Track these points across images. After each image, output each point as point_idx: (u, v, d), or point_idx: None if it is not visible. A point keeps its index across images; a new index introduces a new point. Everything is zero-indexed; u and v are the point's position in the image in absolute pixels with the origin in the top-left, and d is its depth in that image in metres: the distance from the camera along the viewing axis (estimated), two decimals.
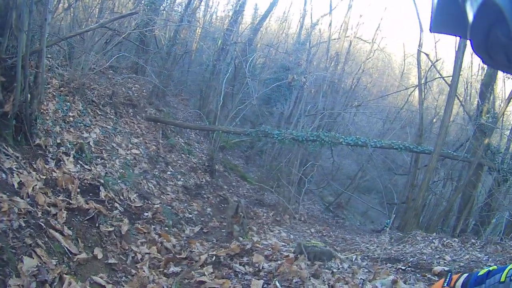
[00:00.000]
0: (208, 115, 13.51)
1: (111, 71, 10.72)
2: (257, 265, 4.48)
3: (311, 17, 19.18)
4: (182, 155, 10.23)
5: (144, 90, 12.06)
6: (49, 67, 7.34)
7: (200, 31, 15.70)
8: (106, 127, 7.85)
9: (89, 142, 6.65)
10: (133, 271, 4.30)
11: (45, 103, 6.02)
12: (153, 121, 10.40)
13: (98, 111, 8.23)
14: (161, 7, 12.27)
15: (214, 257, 4.76)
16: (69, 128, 6.53)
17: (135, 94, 11.09)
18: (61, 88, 7.32)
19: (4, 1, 4.28)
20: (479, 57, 0.65)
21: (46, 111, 6.05)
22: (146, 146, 8.89)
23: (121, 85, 10.57)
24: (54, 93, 6.91)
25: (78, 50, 8.34)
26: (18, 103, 4.47)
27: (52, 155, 5.31)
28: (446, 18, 0.72)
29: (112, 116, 8.61)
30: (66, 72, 8.01)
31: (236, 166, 13.21)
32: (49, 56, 7.70)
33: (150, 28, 10.39)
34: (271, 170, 12.95)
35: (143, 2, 11.45)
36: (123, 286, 3.91)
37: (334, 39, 17.71)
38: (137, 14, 9.27)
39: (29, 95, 4.69)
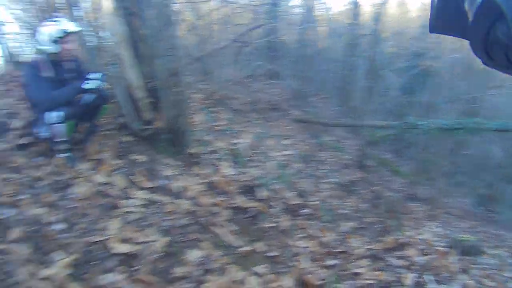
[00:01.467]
0: (351, 111, 13.29)
1: (249, 80, 11.31)
2: (410, 258, 4.42)
3: None
4: (333, 152, 10.20)
5: (285, 94, 12.39)
6: (190, 84, 8.07)
7: (324, 29, 15.61)
8: (256, 132, 8.30)
9: (241, 147, 7.11)
10: (292, 264, 4.48)
11: (192, 116, 6.66)
12: (300, 122, 10.62)
13: (244, 118, 8.81)
14: (279, 13, 12.58)
15: (369, 251, 4.72)
16: (219, 136, 7.12)
17: (277, 98, 11.47)
18: (205, 101, 8.03)
19: (132, 34, 4.90)
20: (478, 57, 0.65)
21: (195, 123, 6.69)
22: (296, 147, 9.09)
23: (262, 91, 11.10)
24: (200, 107, 7.61)
25: (213, 65, 9.06)
26: (167, 120, 5.12)
27: (207, 162, 5.87)
28: (446, 18, 0.72)
29: (259, 121, 9.11)
30: (206, 86, 8.76)
31: (387, 160, 12.67)
32: (188, 74, 8.42)
33: (274, 36, 10.76)
34: (421, 162, 12.19)
35: (260, 10, 11.88)
36: (283, 276, 4.11)
37: None
38: (263, 25, 9.65)
39: (176, 111, 5.27)
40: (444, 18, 0.72)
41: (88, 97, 4.31)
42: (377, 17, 14.57)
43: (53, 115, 3.88)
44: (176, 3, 8.54)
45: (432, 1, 0.74)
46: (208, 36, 10.82)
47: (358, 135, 11.64)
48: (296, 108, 11.70)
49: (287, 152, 8.31)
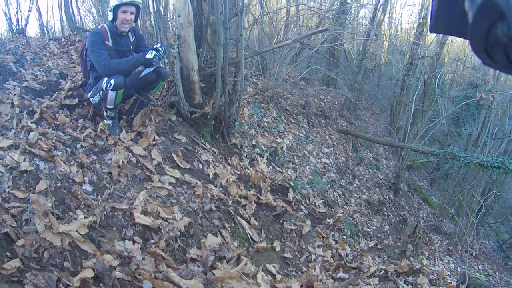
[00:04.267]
0: (397, 131, 13.05)
1: (303, 82, 11.35)
2: (420, 286, 4.32)
3: None
4: (369, 169, 10.13)
5: (336, 102, 12.35)
6: (244, 76, 8.14)
7: (387, 44, 15.30)
8: (299, 135, 8.32)
9: (282, 147, 7.17)
10: (304, 269, 4.55)
11: (242, 108, 6.77)
12: (344, 133, 10.57)
13: (291, 119, 8.84)
14: (346, 20, 12.41)
15: (382, 271, 4.69)
16: (263, 132, 7.20)
17: (327, 106, 11.44)
18: (256, 96, 8.13)
19: (198, 18, 5.01)
20: (479, 57, 0.64)
21: (242, 115, 6.80)
22: (335, 156, 9.08)
23: (313, 96, 11.05)
24: (249, 100, 7.72)
25: (270, 61, 9.11)
26: (217, 106, 5.19)
27: (246, 155, 5.96)
28: (446, 18, 0.72)
29: (304, 125, 9.11)
30: (260, 81, 8.88)
31: (421, 187, 12.43)
32: (244, 66, 8.48)
33: (339, 42, 10.65)
34: (454, 195, 11.79)
35: (327, 15, 11.76)
36: (291, 279, 4.15)
37: None
38: (328, 30, 9.60)
39: (228, 100, 5.36)
40: (444, 18, 0.72)
41: (147, 71, 4.45)
42: (442, 41, 14.17)
43: (108, 82, 4.04)
44: None
45: (432, 1, 0.74)
46: (271, 32, 10.88)
47: (398, 156, 11.49)
48: (344, 119, 11.66)
49: (325, 160, 8.31)
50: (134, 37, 4.57)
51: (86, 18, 11.31)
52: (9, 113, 3.83)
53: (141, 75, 4.47)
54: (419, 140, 10.50)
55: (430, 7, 0.74)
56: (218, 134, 5.64)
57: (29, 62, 5.36)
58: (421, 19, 13.90)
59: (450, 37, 16.29)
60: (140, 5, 4.39)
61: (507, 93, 12.33)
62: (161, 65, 4.70)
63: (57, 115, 4.18)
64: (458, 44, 20.37)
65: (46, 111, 4.11)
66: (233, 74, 5.62)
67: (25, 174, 3.06)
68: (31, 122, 3.78)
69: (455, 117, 15.27)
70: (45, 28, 10.58)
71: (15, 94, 4.28)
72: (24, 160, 3.15)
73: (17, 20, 8.60)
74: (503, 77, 15.48)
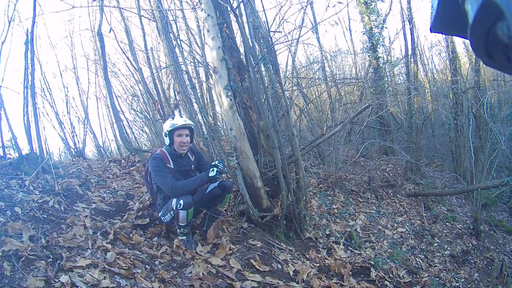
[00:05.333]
0: (464, 175, 12.50)
1: (362, 158, 11.25)
2: None
3: None
4: (447, 223, 9.64)
5: (398, 168, 12.11)
6: (305, 168, 8.24)
7: (429, 93, 15.16)
8: (370, 212, 8.13)
9: (355, 228, 6.99)
10: None
11: (310, 201, 6.75)
12: (413, 196, 10.28)
13: (359, 198, 8.70)
14: (384, 84, 12.52)
15: None
16: (335, 219, 7.07)
17: (391, 174, 11.23)
18: (320, 185, 8.13)
19: (249, 127, 5.21)
20: (479, 57, 0.64)
21: (311, 208, 6.75)
22: (410, 222, 8.76)
23: (376, 169, 10.92)
24: (315, 191, 7.70)
25: (326, 147, 9.20)
26: (285, 207, 5.20)
27: (322, 245, 5.82)
28: (446, 18, 0.72)
29: (373, 201, 8.92)
30: (321, 169, 8.91)
31: (501, 221, 11.50)
32: (302, 159, 8.61)
33: (384, 110, 10.71)
34: None
35: (365, 86, 11.93)
36: None
37: None
38: (371, 105, 9.72)
39: (294, 198, 5.38)
40: (444, 18, 0.71)
41: (212, 187, 4.58)
42: (476, 67, 13.87)
43: (177, 202, 4.16)
44: (287, 90, 9.01)
45: (432, 1, 0.73)
46: (319, 119, 11.12)
47: (471, 200, 10.86)
48: (410, 181, 11.35)
49: (400, 229, 8.02)
50: (193, 156, 4.77)
51: (141, 137, 12.07)
52: (83, 234, 3.93)
53: (207, 191, 4.58)
54: (486, 176, 10.05)
55: (432, 8, 0.73)
56: (291, 232, 5.58)
57: (94, 184, 5.67)
58: (451, 54, 13.87)
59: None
60: (193, 127, 4.64)
61: None
62: (224, 177, 4.84)
63: (131, 235, 4.30)
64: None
65: (119, 231, 4.24)
66: (294, 171, 5.69)
67: None
68: (107, 243, 3.87)
69: None
70: (102, 149, 11.35)
71: (86, 216, 4.44)
72: (105, 278, 3.19)
73: (74, 143, 9.29)
74: None
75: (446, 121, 14.76)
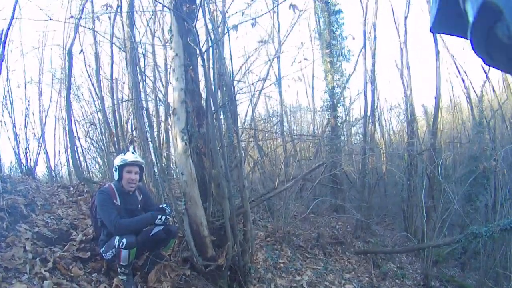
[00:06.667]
0: (415, 233, 12.73)
1: (312, 215, 11.29)
2: None
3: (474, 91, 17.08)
4: (396, 280, 9.70)
5: (348, 226, 12.17)
6: (253, 220, 8.18)
7: (384, 153, 15.63)
8: (317, 268, 8.09)
9: (302, 284, 6.93)
10: None
11: (256, 254, 6.64)
12: (362, 253, 10.32)
13: (307, 254, 8.66)
14: (341, 143, 12.82)
15: None
16: (280, 274, 6.98)
17: (340, 232, 11.27)
18: (268, 239, 8.08)
19: (201, 173, 5.15)
20: (479, 57, 0.65)
21: (257, 261, 6.65)
22: (358, 279, 8.74)
23: (325, 226, 10.96)
24: (262, 244, 7.64)
25: (277, 202, 9.21)
26: (230, 258, 5.10)
27: None
28: (447, 19, 0.73)
29: (321, 257, 8.90)
30: (269, 223, 8.89)
31: (453, 277, 11.72)
32: (251, 211, 8.57)
33: (338, 169, 10.92)
34: (488, 269, 11.15)
35: (321, 144, 12.18)
36: None
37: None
38: (324, 164, 9.90)
39: (240, 250, 5.30)
40: (444, 18, 0.72)
41: (157, 230, 4.47)
42: (433, 130, 14.45)
43: (120, 240, 4.03)
44: (243, 141, 9.06)
45: (432, 1, 0.73)
46: (272, 172, 11.20)
47: (422, 257, 10.97)
48: (360, 240, 11.42)
49: (348, 286, 8.03)
50: (141, 196, 4.69)
51: (93, 168, 11.72)
52: (21, 257, 3.81)
53: (152, 234, 4.47)
54: (438, 234, 10.26)
55: (432, 8, 0.73)
56: (235, 284, 5.46)
57: (39, 207, 5.48)
58: (409, 117, 14.40)
59: (440, 124, 16.68)
60: (143, 165, 4.57)
61: (507, 149, 12.32)
62: (170, 221, 4.74)
63: (71, 266, 4.14)
64: (449, 126, 20.72)
65: (59, 261, 4.09)
66: (242, 223, 5.63)
67: None
68: (45, 271, 3.75)
69: (467, 195, 14.90)
70: (52, 172, 10.89)
71: (27, 238, 4.29)
72: None
73: (26, 160, 8.88)
74: (498, 137, 15.78)
75: (399, 181, 15.12)
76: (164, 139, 10.22)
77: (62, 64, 10.79)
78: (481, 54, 0.64)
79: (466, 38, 0.66)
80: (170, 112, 5.21)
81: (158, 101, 8.62)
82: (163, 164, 5.96)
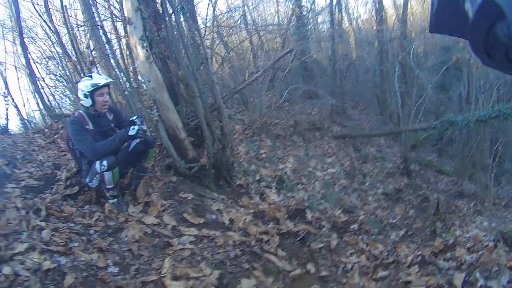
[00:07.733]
0: (391, 118, 13.11)
1: (287, 103, 11.38)
2: (459, 259, 4.23)
3: None
4: (377, 163, 10.11)
5: (324, 111, 12.36)
6: (229, 116, 8.24)
7: (353, 40, 15.48)
8: (299, 155, 8.33)
9: (286, 172, 7.16)
10: (344, 280, 4.44)
11: (237, 148, 6.81)
12: (341, 137, 10.58)
13: (287, 142, 8.86)
14: (308, 32, 12.59)
15: (419, 257, 4.61)
16: (264, 164, 7.19)
17: (317, 118, 11.50)
18: (246, 131, 8.19)
19: (168, 77, 5.11)
20: (479, 57, 0.65)
21: (239, 155, 6.81)
22: (340, 163, 9.06)
23: (301, 113, 11.12)
24: (241, 137, 7.76)
25: (249, 94, 9.24)
26: (212, 155, 5.21)
27: (254, 191, 5.94)
28: (446, 18, 0.73)
29: (301, 144, 9.13)
30: (245, 116, 8.95)
31: (431, 161, 12.36)
32: (226, 107, 8.59)
33: (307, 56, 10.83)
34: (464, 157, 11.78)
35: (288, 33, 11.97)
36: None
37: None
38: (293, 51, 9.77)
39: (220, 146, 5.40)
40: (444, 18, 0.72)
41: (134, 143, 4.44)
42: (403, 18, 14.32)
43: (101, 164, 4.05)
44: (207, 39, 8.84)
45: (432, 1, 0.74)
46: (241, 66, 11.08)
47: (400, 142, 11.51)
48: (337, 124, 11.70)
49: (331, 170, 8.31)
50: (112, 115, 4.58)
51: (65, 103, 11.50)
52: (16, 216, 3.76)
53: (130, 149, 4.45)
54: (414, 119, 10.55)
55: (432, 8, 0.75)
56: (221, 181, 5.63)
57: (20, 160, 5.41)
58: (377, 5, 14.15)
59: (409, 15, 16.50)
60: (111, 82, 4.47)
61: None
62: (146, 132, 4.75)
63: (62, 207, 4.17)
64: (419, 16, 20.62)
65: (51, 206, 4.09)
66: (217, 119, 5.68)
67: (49, 273, 3.01)
68: (40, 221, 3.74)
69: (440, 85, 15.24)
70: (26, 121, 10.75)
71: (16, 196, 4.26)
72: (45, 259, 3.11)
73: None
74: None
75: (371, 67, 15.18)
76: (128, 54, 9.92)
77: (9, 12, 10.12)
78: (480, 54, 0.63)
79: (466, 38, 0.65)
80: (126, 23, 5.02)
81: (114, 17, 8.21)
82: (130, 78, 5.84)
